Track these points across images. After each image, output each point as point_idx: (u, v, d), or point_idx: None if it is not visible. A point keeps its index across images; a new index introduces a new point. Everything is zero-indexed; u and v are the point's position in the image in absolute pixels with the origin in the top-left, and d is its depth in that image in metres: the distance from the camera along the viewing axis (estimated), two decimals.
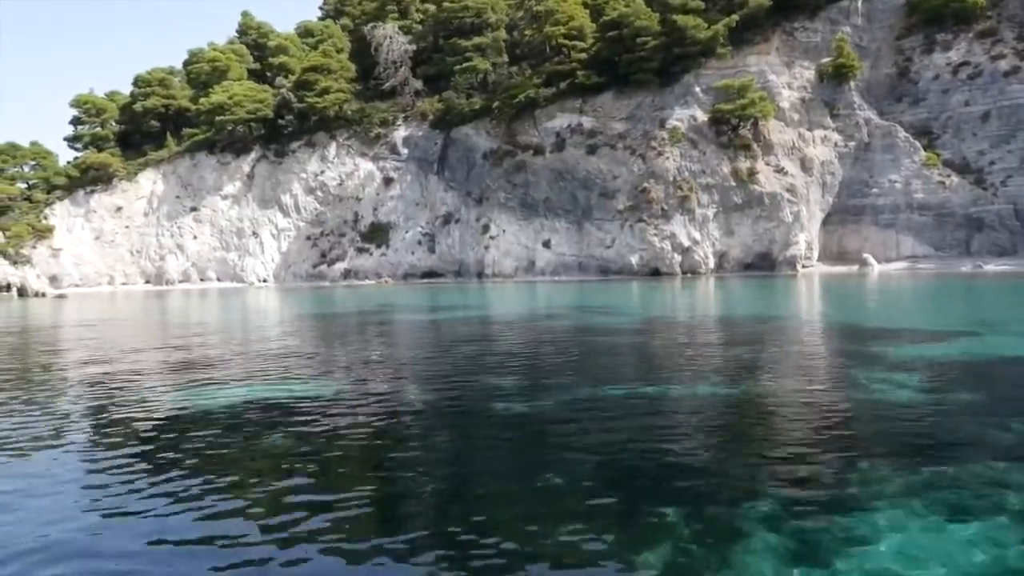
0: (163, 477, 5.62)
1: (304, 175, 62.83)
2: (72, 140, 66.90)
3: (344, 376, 10.75)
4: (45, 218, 60.66)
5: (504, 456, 6.28)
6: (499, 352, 13.14)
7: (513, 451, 6.41)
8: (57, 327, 23.72)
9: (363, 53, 66.58)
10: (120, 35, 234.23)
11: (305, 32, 75.52)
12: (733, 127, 51.56)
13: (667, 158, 51.04)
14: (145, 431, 7.38)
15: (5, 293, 52.17)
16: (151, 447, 6.69)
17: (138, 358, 13.68)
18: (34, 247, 57.63)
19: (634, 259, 50.51)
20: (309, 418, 7.67)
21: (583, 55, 54.84)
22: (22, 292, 53.17)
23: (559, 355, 12.52)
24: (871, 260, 47.34)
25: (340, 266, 60.18)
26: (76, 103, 65.98)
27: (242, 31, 79.82)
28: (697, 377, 9.69)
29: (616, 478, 5.40)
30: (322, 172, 62.75)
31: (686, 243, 49.96)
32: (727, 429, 6.99)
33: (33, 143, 64.64)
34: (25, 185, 63.09)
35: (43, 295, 53.39)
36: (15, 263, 54.31)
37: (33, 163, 64.17)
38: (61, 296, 49.99)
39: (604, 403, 8.03)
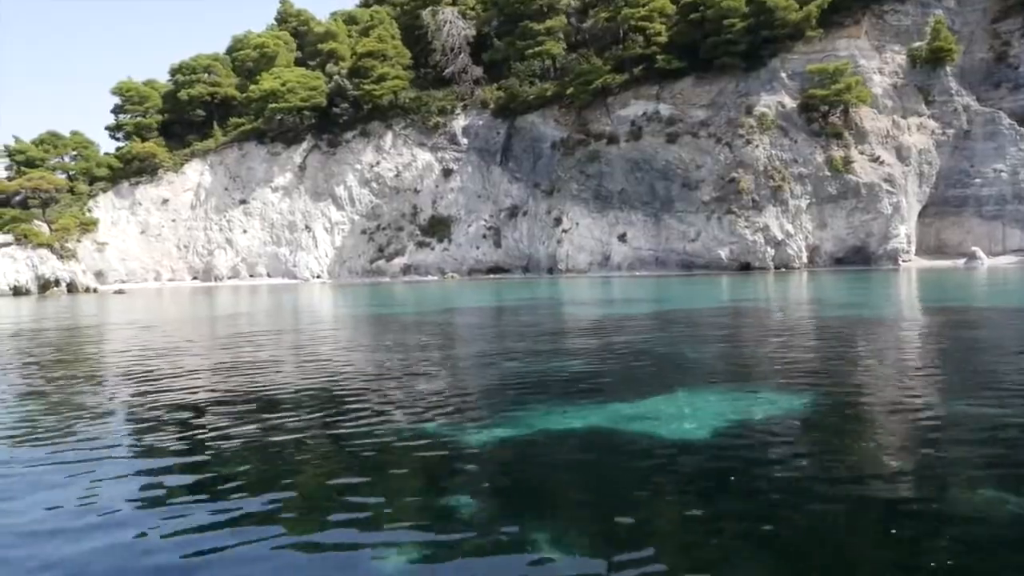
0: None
1: (359, 166, 60.03)
2: (114, 129, 63.90)
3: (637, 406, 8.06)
4: (89, 211, 57.78)
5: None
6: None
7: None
8: (150, 328, 21.00)
9: (412, 40, 63.85)
10: (149, 25, 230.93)
11: (349, 19, 72.69)
12: (823, 114, 48.96)
13: (756, 146, 48.38)
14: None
15: (55, 289, 49.26)
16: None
17: (272, 380, 11.00)
18: (79, 241, 54.74)
19: (723, 253, 47.85)
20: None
21: (661, 38, 51.90)
22: (71, 288, 50.29)
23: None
24: (980, 254, 44.71)
25: (399, 261, 57.42)
26: (118, 90, 62.98)
27: (281, 18, 77.00)
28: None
29: None
30: (377, 163, 59.96)
31: (779, 236, 47.33)
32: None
33: (74, 132, 61.66)
34: (66, 176, 60.07)
35: (94, 291, 50.57)
36: (62, 258, 51.40)
37: (74, 153, 61.18)
38: (120, 292, 47.11)
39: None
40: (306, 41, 72.90)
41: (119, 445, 6.61)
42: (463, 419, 7.00)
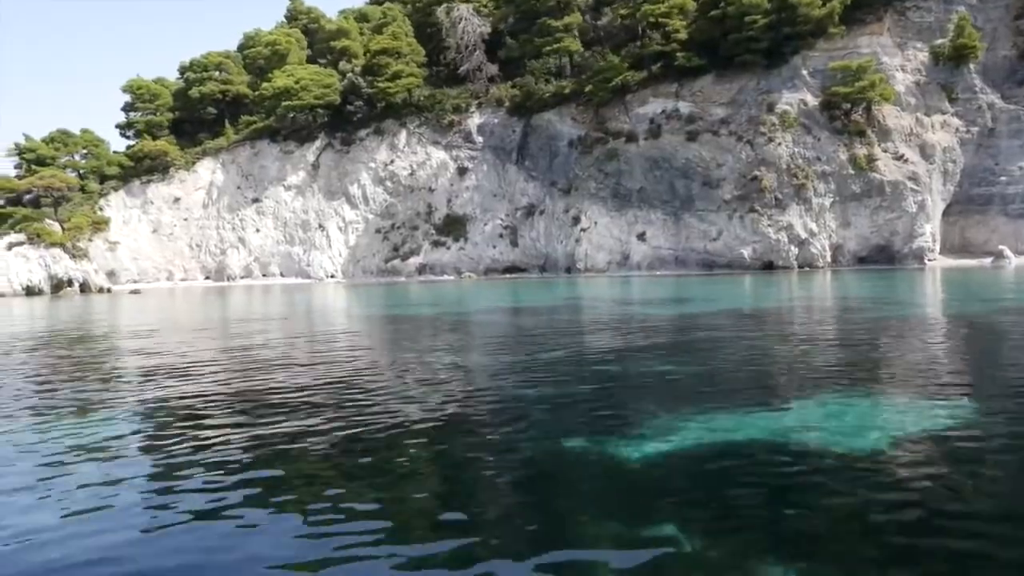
0: None
1: (373, 164, 59.42)
2: (124, 127, 63.22)
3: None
4: (100, 209, 57.12)
5: None
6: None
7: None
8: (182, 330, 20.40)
9: (424, 37, 63.28)
10: (154, 23, 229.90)
11: (360, 17, 72.11)
12: (845, 112, 48.44)
13: (779, 144, 47.84)
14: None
15: (68, 289, 48.59)
16: None
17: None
18: (90, 240, 54.08)
19: (746, 252, 47.32)
20: None
21: (681, 36, 51.34)
22: (84, 288, 49.63)
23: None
24: (1008, 252, 44.19)
25: (415, 261, 56.82)
26: (129, 88, 62.32)
27: (291, 16, 76.38)
28: None
29: None
30: (392, 161, 59.36)
31: (803, 235, 46.79)
32: None
33: (84, 130, 60.95)
34: (76, 174, 59.38)
35: (108, 291, 49.92)
36: (74, 257, 50.72)
37: (84, 151, 60.50)
38: (135, 292, 46.46)
39: None
40: (316, 39, 72.32)
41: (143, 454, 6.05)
42: (605, 430, 6.39)
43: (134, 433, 6.97)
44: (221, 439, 6.40)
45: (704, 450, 5.70)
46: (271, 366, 10.83)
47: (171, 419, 7.42)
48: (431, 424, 6.81)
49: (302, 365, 10.94)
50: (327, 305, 28.62)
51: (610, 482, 5.09)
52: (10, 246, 48.80)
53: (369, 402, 7.76)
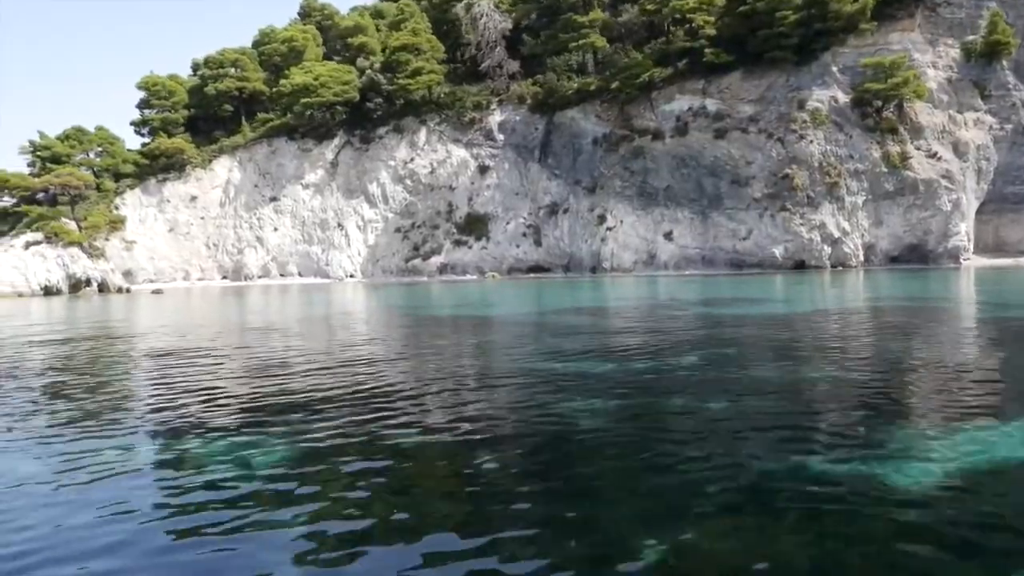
0: None
1: (392, 163, 58.61)
2: (139, 125, 62.31)
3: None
4: (116, 208, 56.22)
5: None
6: None
7: None
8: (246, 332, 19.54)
9: (441, 34, 62.48)
10: (164, 21, 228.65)
11: (376, 13, 71.34)
12: (877, 109, 47.74)
13: (810, 142, 47.11)
14: None
15: (87, 289, 47.70)
16: None
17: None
18: (107, 239, 53.20)
19: (778, 251, 46.59)
20: None
21: (709, 31, 50.60)
22: (102, 288, 48.73)
23: None
24: None
25: (436, 260, 56.01)
26: (144, 85, 61.39)
27: (304, 13, 75.49)
28: None
29: None
30: (411, 159, 58.55)
31: (836, 233, 46.08)
32: None
33: (99, 128, 60.03)
34: (91, 172, 58.41)
35: (127, 291, 49.03)
36: (91, 256, 49.82)
37: (99, 149, 59.56)
38: (157, 292, 45.56)
39: None
40: (329, 36, 71.53)
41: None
42: (827, 448, 5.55)
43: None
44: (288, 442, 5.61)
45: (955, 480, 4.87)
46: (332, 371, 10.03)
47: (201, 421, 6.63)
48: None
49: (359, 370, 10.13)
50: (362, 306, 27.78)
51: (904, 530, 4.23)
52: (27, 245, 47.93)
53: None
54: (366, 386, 8.59)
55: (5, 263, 46.07)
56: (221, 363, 11.26)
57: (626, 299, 25.01)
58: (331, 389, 8.44)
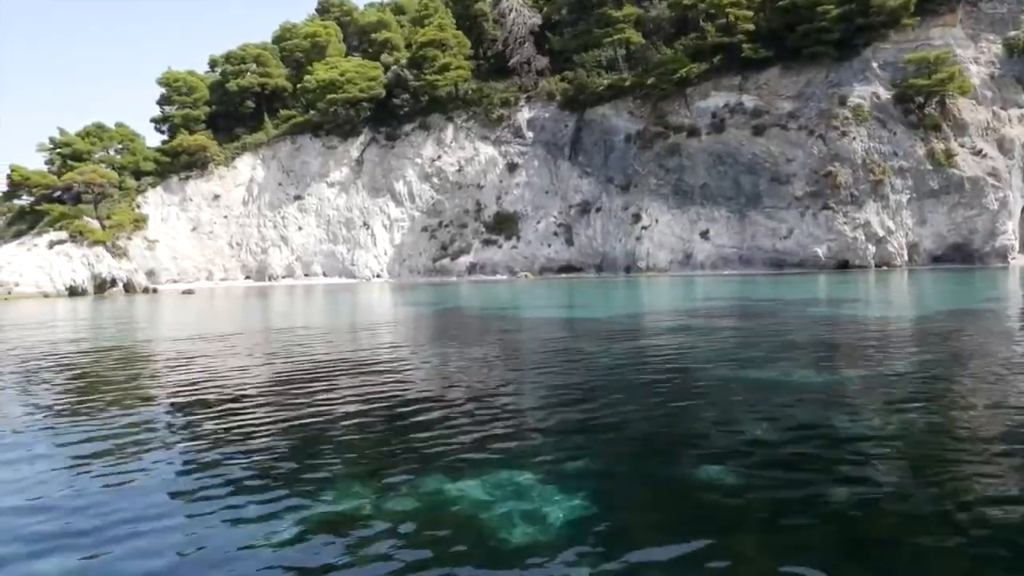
0: None
1: (419, 160, 57.56)
2: (160, 121, 61.09)
3: None
4: (138, 206, 55.03)
5: None
6: None
7: None
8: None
9: (464, 29, 61.41)
10: (170, 18, 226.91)
11: (397, 9, 70.28)
12: (919, 105, 46.87)
13: (853, 138, 46.22)
14: None
15: (113, 289, 46.53)
16: None
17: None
18: (129, 239, 52.01)
19: (820, 250, 45.69)
20: None
21: (748, 26, 49.68)
22: (128, 288, 47.56)
23: None
24: None
25: (465, 260, 54.99)
26: (165, 81, 60.19)
27: (323, 9, 74.39)
28: None
29: None
30: (438, 157, 57.50)
31: (880, 232, 45.18)
32: None
33: (119, 125, 58.80)
34: (111, 170, 57.15)
35: (153, 291, 47.88)
36: (115, 256, 48.65)
37: (119, 146, 58.33)
38: (188, 292, 44.41)
39: None
40: (348, 32, 70.46)
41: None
42: None
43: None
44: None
45: None
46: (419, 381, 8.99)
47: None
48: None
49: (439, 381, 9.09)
50: (422, 312, 26.68)
51: None
52: (51, 244, 46.75)
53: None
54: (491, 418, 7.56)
55: (30, 263, 44.90)
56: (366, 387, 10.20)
57: (710, 299, 23.94)
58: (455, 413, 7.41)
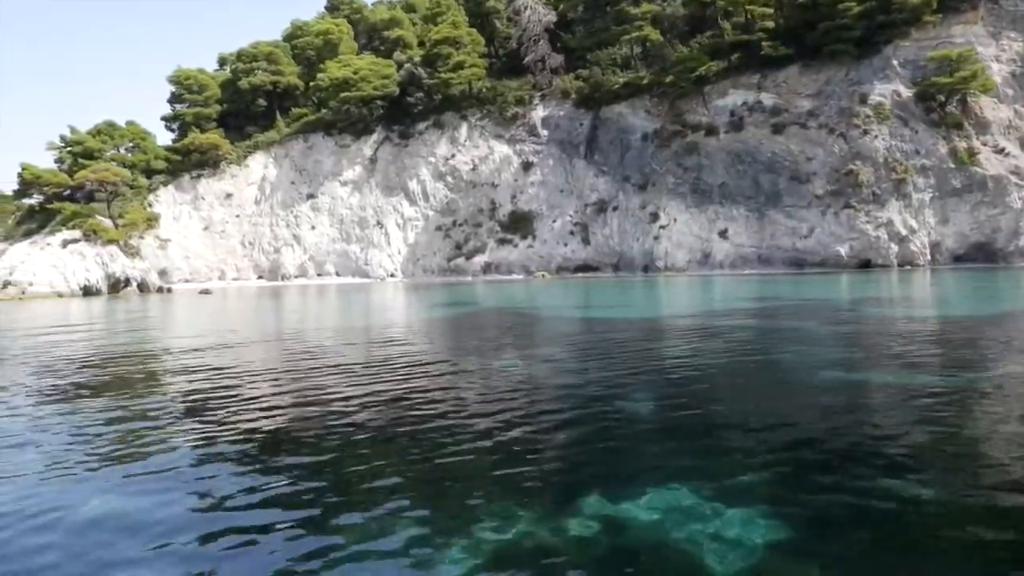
0: None
1: (432, 159, 57.09)
2: (171, 120, 60.55)
3: None
4: (149, 205, 54.51)
5: None
6: None
7: None
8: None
9: (477, 27, 60.97)
10: (183, 17, 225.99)
11: (407, 7, 69.82)
12: (940, 104, 46.50)
13: (875, 137, 45.81)
14: None
15: (127, 288, 46.01)
16: None
17: None
18: (141, 237, 51.50)
19: (843, 249, 45.25)
20: None
21: (768, 24, 49.29)
22: (142, 288, 47.05)
23: None
24: None
25: (480, 259, 54.52)
26: (176, 79, 59.65)
27: (332, 7, 73.91)
28: None
29: None
30: (452, 156, 57.04)
31: (903, 232, 44.78)
32: None
33: (129, 123, 58.26)
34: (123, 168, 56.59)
35: (168, 291, 47.38)
36: (128, 255, 48.13)
37: (130, 144, 57.77)
38: (206, 292, 43.89)
39: None
40: (359, 30, 70.01)
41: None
42: None
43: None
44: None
45: None
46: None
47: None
48: None
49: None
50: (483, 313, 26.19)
51: None
52: (65, 243, 46.23)
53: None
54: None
55: (43, 262, 44.37)
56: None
57: (764, 299, 23.42)
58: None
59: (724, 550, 4.03)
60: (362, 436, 6.37)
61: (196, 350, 13.29)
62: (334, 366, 10.61)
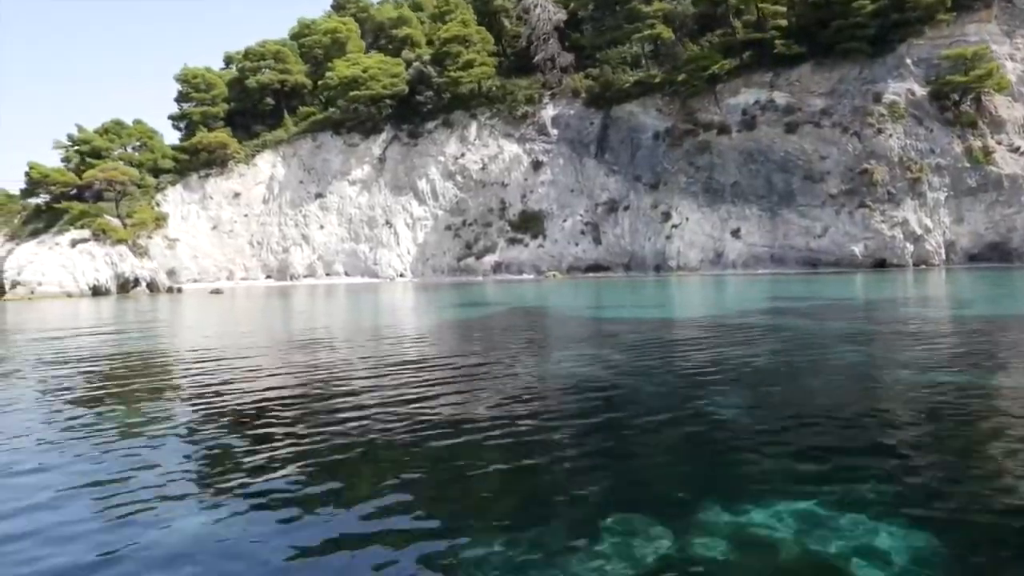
0: None
1: (442, 158, 56.78)
2: (178, 119, 60.20)
3: None
4: (157, 204, 54.15)
5: None
6: None
7: None
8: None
9: (484, 25, 60.66)
10: (191, 16, 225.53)
11: (415, 6, 69.49)
12: (955, 102, 46.26)
13: (890, 136, 45.55)
14: None
15: (136, 288, 45.67)
16: None
17: None
18: (150, 237, 51.16)
19: (857, 249, 44.98)
20: None
21: (781, 22, 49.02)
22: (152, 287, 46.71)
23: None
24: None
25: (490, 259, 54.23)
26: (183, 77, 59.29)
27: (339, 5, 73.57)
28: None
29: None
30: (462, 155, 56.73)
31: (918, 231, 44.52)
32: None
33: (136, 121, 57.91)
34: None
35: (177, 290, 47.04)
36: (137, 255, 47.79)
37: (138, 143, 57.42)
38: (217, 292, 43.56)
39: None
40: (365, 28, 69.68)
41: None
42: None
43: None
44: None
45: None
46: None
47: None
48: None
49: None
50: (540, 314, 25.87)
51: None
52: (74, 243, 45.88)
53: None
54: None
55: (52, 262, 44.03)
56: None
57: (778, 297, 23.13)
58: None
59: (879, 566, 3.75)
60: (456, 448, 6.07)
61: (223, 356, 12.97)
62: (405, 369, 10.29)
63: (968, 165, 44.73)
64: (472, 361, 10.83)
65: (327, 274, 56.46)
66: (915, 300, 21.05)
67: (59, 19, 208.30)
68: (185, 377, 10.25)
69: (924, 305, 19.23)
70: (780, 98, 49.65)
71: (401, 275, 55.69)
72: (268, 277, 56.29)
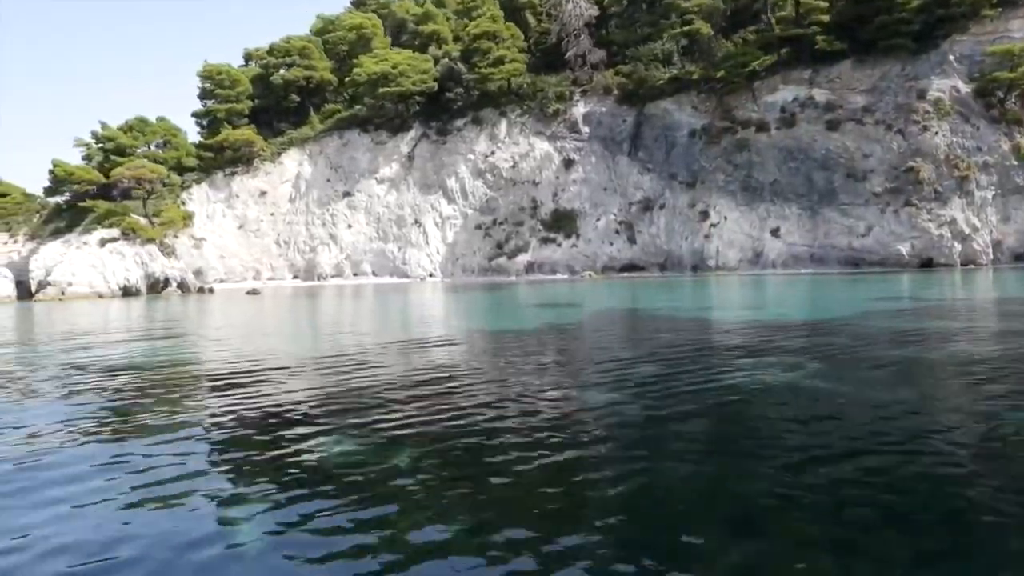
0: None
1: (471, 156, 55.87)
2: (202, 116, 59.11)
3: None
4: (182, 203, 53.10)
5: None
6: None
7: None
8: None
9: (513, 21, 59.73)
10: (206, 13, 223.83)
11: (438, 2, 68.50)
12: (1000, 99, 45.55)
13: (935, 133, 44.83)
14: None
15: (167, 289, 44.63)
16: None
17: None
18: (176, 236, 50.12)
19: (904, 248, 44.25)
20: None
21: (823, 18, 48.24)
22: (182, 288, 45.68)
23: None
24: None
25: (523, 259, 53.35)
26: (207, 74, 58.19)
27: (359, 2, 72.58)
28: None
29: None
30: (492, 153, 55.82)
31: (966, 230, 43.80)
32: None
33: (160, 119, 56.84)
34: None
35: (210, 291, 46.02)
36: (166, 254, 46.76)
37: (162, 141, 56.34)
38: (254, 292, 42.52)
39: None
40: (386, 25, 68.70)
41: None
42: None
43: None
44: None
45: None
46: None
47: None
48: None
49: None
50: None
51: None
52: (103, 242, 44.84)
53: None
54: None
55: (82, 262, 42.98)
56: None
57: (862, 299, 22.24)
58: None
59: None
60: (572, 463, 5.18)
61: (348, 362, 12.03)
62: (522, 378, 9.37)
63: (1015, 163, 44.07)
64: (654, 371, 9.91)
65: (355, 274, 55.51)
66: (1003, 301, 20.20)
67: (59, 19, 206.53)
68: (338, 385, 9.31)
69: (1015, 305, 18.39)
70: (820, 95, 48.87)
71: (431, 275, 54.77)
72: (295, 277, 55.32)
